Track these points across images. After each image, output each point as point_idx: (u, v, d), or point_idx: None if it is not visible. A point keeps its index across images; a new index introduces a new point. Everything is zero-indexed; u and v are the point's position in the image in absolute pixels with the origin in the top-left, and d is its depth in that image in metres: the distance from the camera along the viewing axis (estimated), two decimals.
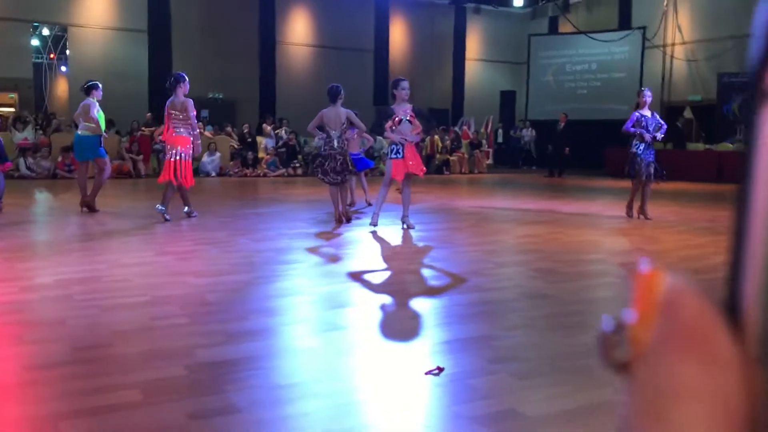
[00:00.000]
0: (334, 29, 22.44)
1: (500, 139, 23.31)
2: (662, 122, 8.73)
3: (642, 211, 8.75)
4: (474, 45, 25.74)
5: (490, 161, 22.29)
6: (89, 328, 3.60)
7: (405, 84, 7.37)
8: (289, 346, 3.45)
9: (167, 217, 7.80)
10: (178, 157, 7.85)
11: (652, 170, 8.52)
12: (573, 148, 17.63)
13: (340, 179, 7.76)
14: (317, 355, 3.28)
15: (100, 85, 8.97)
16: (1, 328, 3.60)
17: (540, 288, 4.72)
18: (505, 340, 3.50)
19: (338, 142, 7.67)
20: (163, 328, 3.61)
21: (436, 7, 24.09)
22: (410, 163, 7.29)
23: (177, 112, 7.88)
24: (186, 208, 8.20)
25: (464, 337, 3.54)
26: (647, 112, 8.57)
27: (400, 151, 7.28)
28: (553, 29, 25.09)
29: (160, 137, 10.98)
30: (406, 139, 7.27)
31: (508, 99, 24.80)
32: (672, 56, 21.63)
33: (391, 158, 7.37)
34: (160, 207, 7.86)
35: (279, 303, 4.24)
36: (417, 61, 24.46)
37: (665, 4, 21.48)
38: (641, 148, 8.54)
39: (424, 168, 7.57)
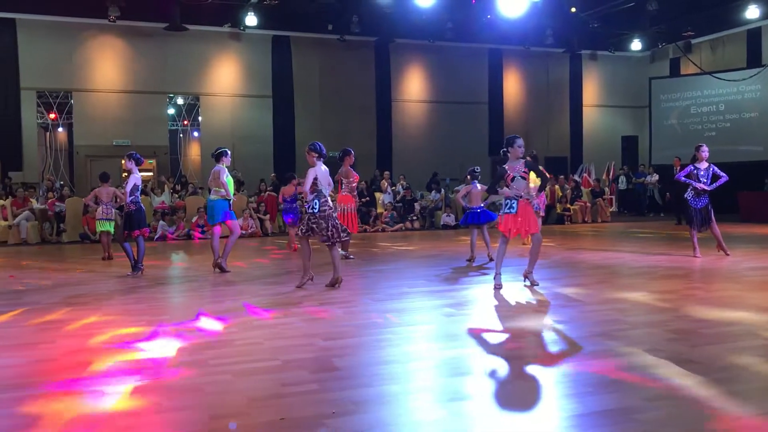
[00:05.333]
0: (448, 84, 22.70)
1: (623, 186, 22.47)
2: (721, 174, 9.60)
3: (721, 248, 9.85)
4: (592, 91, 25.19)
5: (613, 209, 21.51)
6: (224, 395, 3.70)
7: (520, 141, 7.29)
8: (415, 419, 3.38)
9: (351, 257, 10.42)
10: (350, 211, 10.25)
11: (702, 216, 9.62)
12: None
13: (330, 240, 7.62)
14: (442, 427, 3.20)
15: (229, 152, 9.49)
16: (141, 395, 3.77)
17: (681, 352, 4.41)
18: (649, 413, 3.27)
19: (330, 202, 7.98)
20: (294, 395, 3.66)
21: (550, 55, 23.87)
22: (519, 219, 7.13)
23: (345, 179, 10.32)
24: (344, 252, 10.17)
25: (600, 410, 3.34)
26: (703, 165, 9.65)
27: (514, 206, 7.17)
28: (675, 71, 24.12)
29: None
30: (521, 195, 7.17)
31: (630, 144, 24.00)
32: None
33: (503, 213, 7.30)
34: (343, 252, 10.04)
35: (403, 368, 4.20)
36: (532, 110, 24.23)
37: None
38: (690, 195, 9.68)
39: (536, 229, 7.32)
